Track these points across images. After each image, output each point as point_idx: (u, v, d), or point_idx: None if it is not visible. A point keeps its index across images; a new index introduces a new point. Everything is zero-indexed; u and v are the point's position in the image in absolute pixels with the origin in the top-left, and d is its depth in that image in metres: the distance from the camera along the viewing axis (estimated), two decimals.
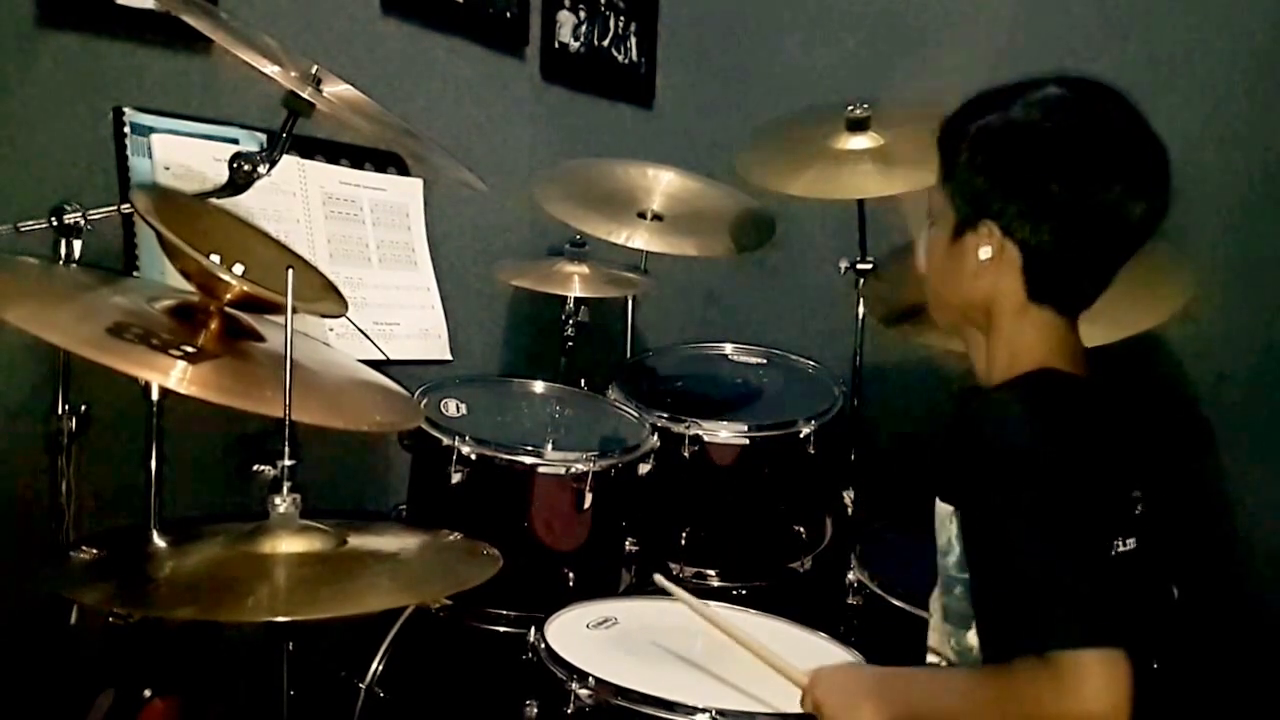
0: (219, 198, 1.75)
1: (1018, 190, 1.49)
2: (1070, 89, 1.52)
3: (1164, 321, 2.21)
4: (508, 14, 3.19)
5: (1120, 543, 1.43)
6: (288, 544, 1.49)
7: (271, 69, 1.71)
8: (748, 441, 2.55)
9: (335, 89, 1.82)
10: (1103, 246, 1.50)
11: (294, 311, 1.50)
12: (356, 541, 1.58)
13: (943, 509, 1.57)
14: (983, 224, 1.51)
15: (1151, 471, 1.53)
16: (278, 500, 1.50)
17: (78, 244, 1.68)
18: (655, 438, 2.44)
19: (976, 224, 1.51)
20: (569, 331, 2.80)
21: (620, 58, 3.60)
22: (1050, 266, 1.50)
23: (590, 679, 1.75)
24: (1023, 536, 1.36)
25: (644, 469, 2.39)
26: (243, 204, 1.81)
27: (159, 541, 1.64)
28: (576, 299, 2.77)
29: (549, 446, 2.28)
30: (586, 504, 2.25)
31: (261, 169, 1.74)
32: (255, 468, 1.57)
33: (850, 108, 2.66)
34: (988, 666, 1.42)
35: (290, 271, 1.46)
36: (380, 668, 2.18)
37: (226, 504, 2.19)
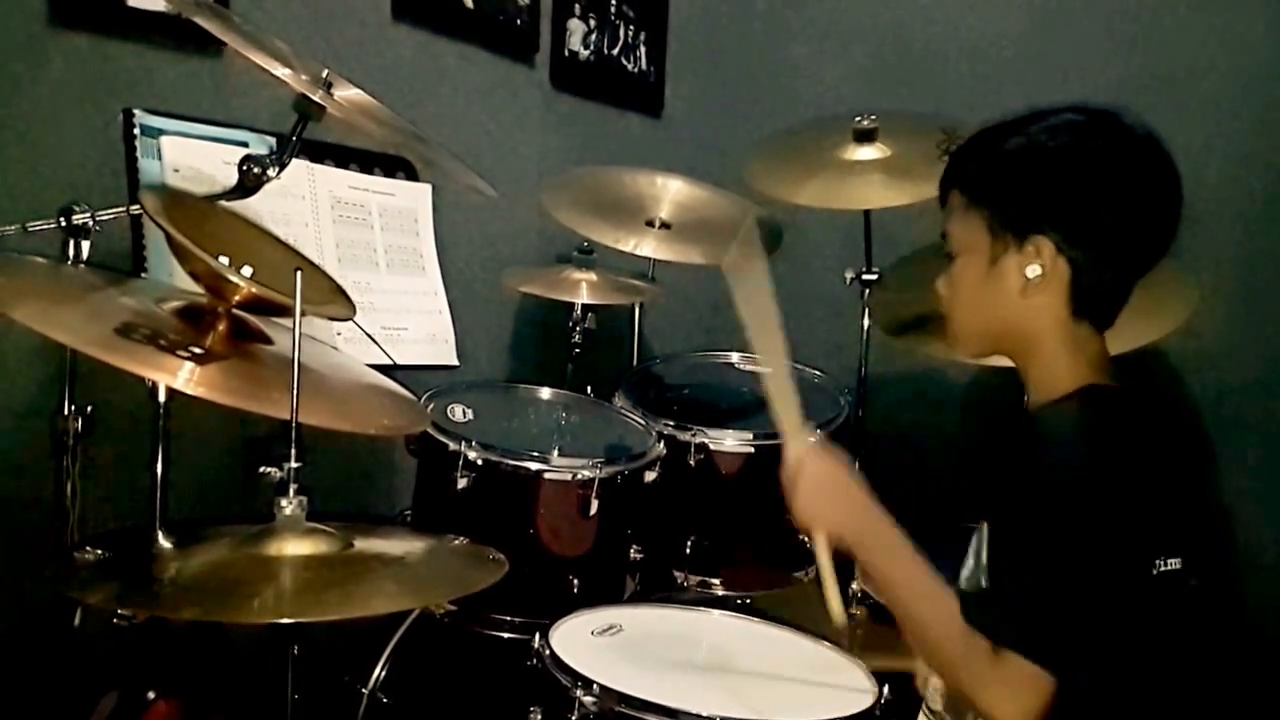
0: (228, 200, 1.75)
1: (1069, 207, 1.51)
2: (1085, 114, 1.54)
3: (1167, 335, 2.20)
4: (518, 21, 3.19)
5: (1163, 562, 1.43)
6: (294, 546, 1.48)
7: (283, 72, 1.71)
8: (753, 450, 2.54)
9: (345, 93, 1.82)
10: (1140, 259, 1.53)
11: (302, 314, 1.50)
12: (363, 545, 1.57)
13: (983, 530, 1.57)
14: (1030, 242, 1.52)
15: (1190, 484, 1.53)
16: (284, 502, 1.49)
17: (85, 244, 1.67)
18: (661, 445, 2.44)
19: (1022, 244, 1.52)
20: (576, 338, 2.79)
21: (630, 66, 3.61)
22: (1097, 280, 1.52)
23: (595, 686, 1.75)
24: (1041, 545, 1.38)
25: (650, 476, 2.38)
26: (251, 207, 1.81)
27: (164, 542, 1.63)
28: (584, 306, 2.77)
29: (555, 453, 2.28)
30: (592, 511, 2.25)
31: (271, 172, 1.73)
32: (262, 469, 1.57)
33: (858, 119, 2.67)
34: (958, 611, 1.42)
35: (299, 274, 1.46)
36: (383, 673, 2.18)
37: (230, 507, 2.19)
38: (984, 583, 1.54)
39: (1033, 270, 1.52)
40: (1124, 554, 1.39)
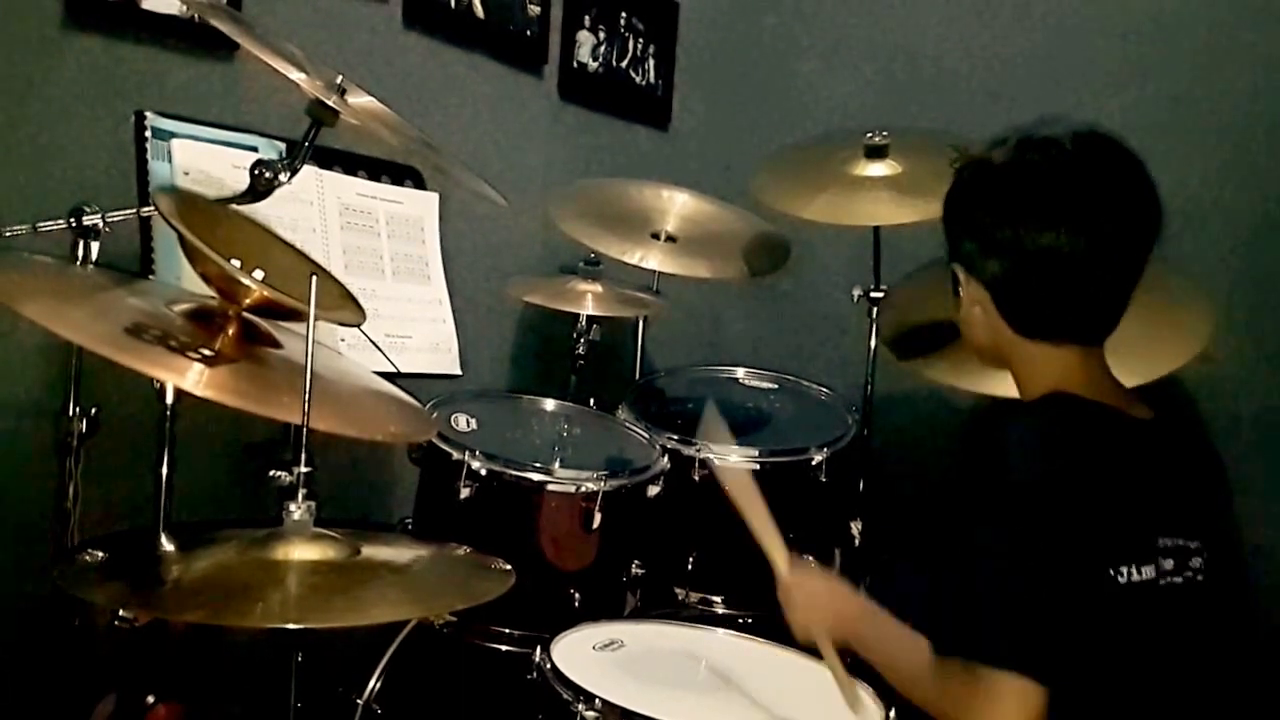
0: (239, 204, 1.74)
1: (967, 229, 1.56)
2: (1033, 133, 1.54)
3: (1189, 361, 2.18)
4: (528, 32, 3.20)
5: (1131, 570, 1.42)
6: (301, 551, 1.47)
7: (298, 76, 1.71)
8: (758, 467, 2.52)
9: (357, 100, 1.82)
10: (1056, 280, 1.50)
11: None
12: (369, 552, 1.56)
13: None
14: (954, 268, 1.59)
15: (1204, 516, 1.52)
16: (293, 507, 1.48)
17: (95, 245, 1.67)
18: (665, 460, 2.43)
19: (953, 270, 1.59)
20: (580, 350, 2.79)
21: (638, 79, 3.61)
22: (1016, 301, 1.54)
23: (597, 701, 1.74)
24: (989, 551, 1.40)
25: (653, 491, 2.37)
26: (259, 212, 1.81)
27: (167, 545, 1.62)
28: (588, 317, 2.76)
29: (557, 464, 2.27)
30: (595, 524, 2.24)
31: (283, 177, 1.73)
32: (272, 474, 1.55)
33: (869, 134, 2.66)
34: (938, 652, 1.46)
35: (314, 279, 1.45)
36: (379, 684, 2.15)
37: (227, 511, 2.18)
38: None
39: (961, 293, 1.59)
40: (1066, 555, 1.38)
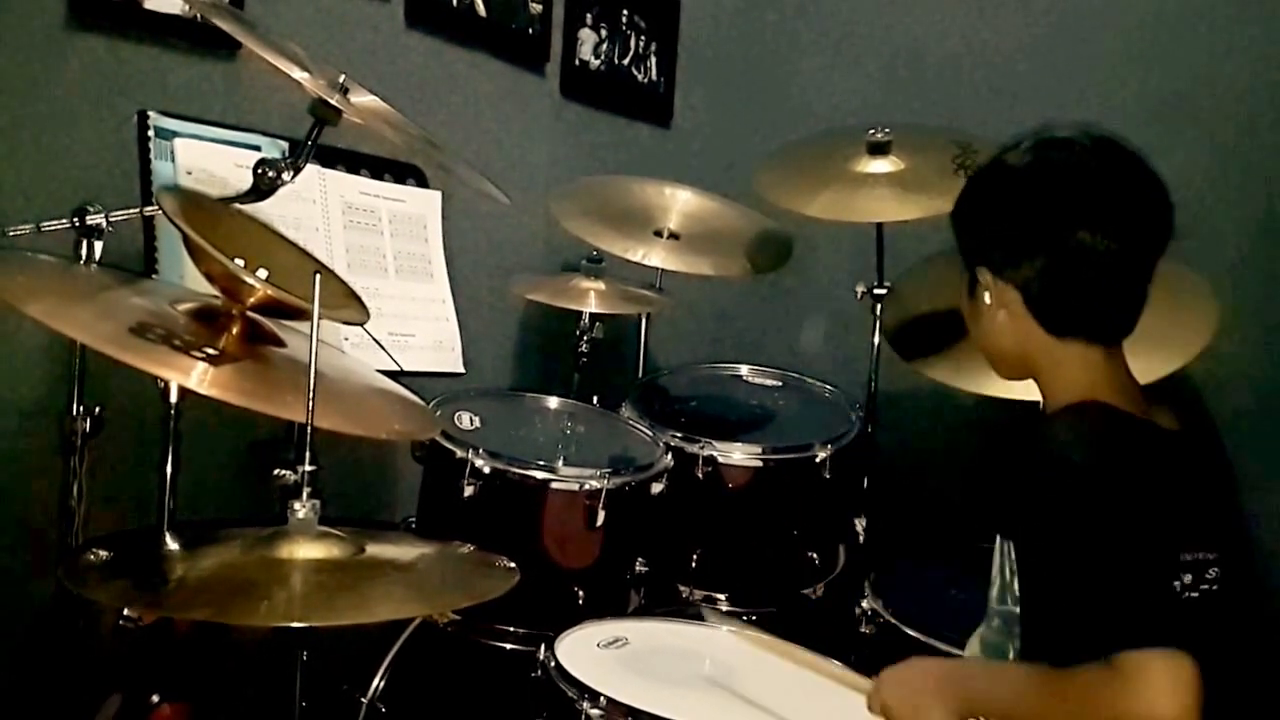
0: (242, 203, 1.75)
1: (995, 232, 1.55)
2: (1049, 134, 1.55)
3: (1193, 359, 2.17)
4: (529, 30, 3.20)
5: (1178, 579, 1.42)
6: (306, 550, 1.47)
7: (300, 75, 1.71)
8: (762, 464, 2.53)
9: (360, 99, 1.82)
10: (1089, 277, 1.50)
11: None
12: (374, 550, 1.56)
13: (1000, 544, 1.57)
14: (978, 272, 1.56)
15: (1221, 527, 1.51)
16: (297, 505, 1.48)
17: (98, 245, 1.67)
18: (669, 457, 2.43)
19: (976, 276, 1.57)
20: (583, 348, 2.78)
21: (640, 77, 3.61)
22: (1050, 300, 1.52)
23: (602, 699, 1.73)
24: (1080, 549, 1.37)
25: (657, 488, 2.37)
26: (262, 211, 1.81)
27: (171, 544, 1.62)
28: (591, 315, 2.76)
29: (561, 462, 2.27)
30: (599, 521, 2.24)
31: (286, 176, 1.73)
32: (276, 472, 1.55)
33: (872, 131, 2.66)
34: (1055, 668, 1.39)
35: (318, 277, 1.45)
36: (383, 682, 2.15)
37: (233, 510, 2.18)
38: (1010, 601, 1.53)
39: (987, 298, 1.56)
40: (1148, 535, 1.37)
